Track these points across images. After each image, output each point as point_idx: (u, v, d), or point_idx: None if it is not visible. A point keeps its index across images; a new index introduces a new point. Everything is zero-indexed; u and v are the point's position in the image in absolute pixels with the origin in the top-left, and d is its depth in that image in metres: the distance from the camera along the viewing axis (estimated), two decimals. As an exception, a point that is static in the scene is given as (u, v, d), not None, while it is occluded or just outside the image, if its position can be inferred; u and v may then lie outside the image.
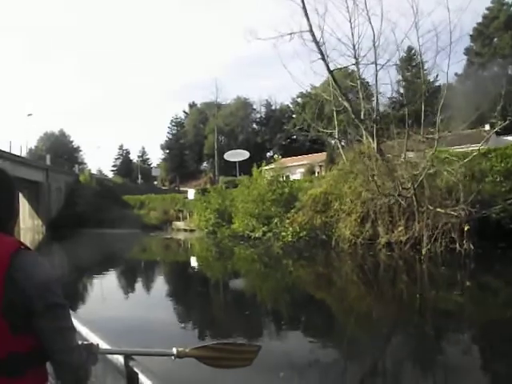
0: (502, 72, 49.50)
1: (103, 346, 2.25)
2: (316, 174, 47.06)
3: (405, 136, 20.59)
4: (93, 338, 2.39)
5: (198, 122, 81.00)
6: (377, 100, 23.31)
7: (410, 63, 63.72)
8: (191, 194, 47.95)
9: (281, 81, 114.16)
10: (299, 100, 75.57)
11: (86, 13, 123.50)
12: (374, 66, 22.74)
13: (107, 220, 47.63)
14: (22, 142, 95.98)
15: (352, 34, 22.78)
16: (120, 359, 2.26)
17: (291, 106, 77.03)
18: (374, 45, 22.20)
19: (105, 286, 16.25)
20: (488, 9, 62.94)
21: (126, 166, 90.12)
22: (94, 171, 70.18)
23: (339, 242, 20.67)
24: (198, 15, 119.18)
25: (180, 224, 43.95)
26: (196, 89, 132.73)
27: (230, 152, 61.78)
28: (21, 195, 56.71)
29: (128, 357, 2.22)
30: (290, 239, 22.16)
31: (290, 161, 55.89)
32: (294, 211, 23.31)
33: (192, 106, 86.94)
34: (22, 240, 1.70)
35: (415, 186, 18.45)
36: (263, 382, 6.24)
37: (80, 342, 1.85)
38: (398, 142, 21.38)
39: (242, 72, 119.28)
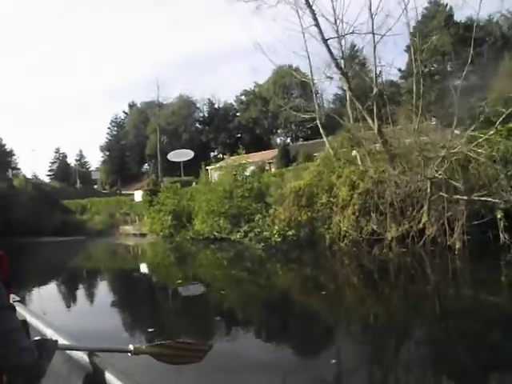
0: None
1: (62, 342, 2.27)
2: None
3: (417, 112, 16.96)
4: (52, 334, 2.44)
5: (139, 122, 75.92)
6: (375, 74, 19.53)
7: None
8: (138, 195, 43.43)
9: (222, 79, 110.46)
10: (243, 98, 72.16)
11: (21, 6, 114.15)
12: (371, 36, 19.03)
13: (48, 227, 42.67)
14: None
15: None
16: (83, 356, 2.23)
17: (235, 104, 73.37)
18: (371, 15, 18.60)
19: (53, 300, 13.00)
20: (426, 8, 61.90)
21: (63, 170, 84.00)
22: (29, 176, 64.13)
23: (335, 240, 17.12)
24: (138, 11, 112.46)
25: (128, 228, 39.37)
26: (135, 88, 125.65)
27: (173, 152, 57.65)
28: None
29: (92, 353, 2.19)
30: (276, 239, 18.25)
31: (237, 159, 52.61)
32: (274, 207, 19.48)
33: (132, 105, 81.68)
34: None
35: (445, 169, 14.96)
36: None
37: (36, 338, 1.95)
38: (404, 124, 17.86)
39: (183, 71, 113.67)
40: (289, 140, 67.87)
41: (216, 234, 24.02)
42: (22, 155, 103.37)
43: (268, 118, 67.55)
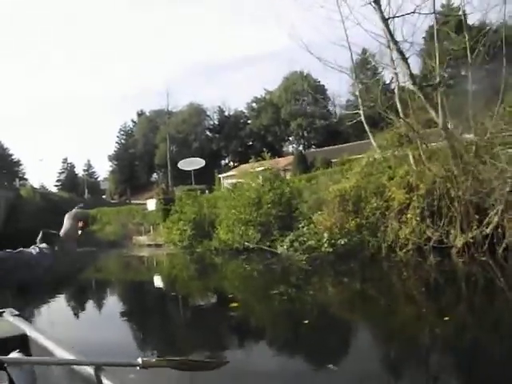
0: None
1: (66, 356, 2.25)
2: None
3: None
4: (54, 348, 2.38)
5: (148, 130, 73.60)
6: (437, 58, 16.56)
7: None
8: (151, 204, 41.02)
9: (232, 87, 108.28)
10: (254, 105, 69.89)
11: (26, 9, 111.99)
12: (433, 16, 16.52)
13: (56, 238, 39.97)
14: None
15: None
16: (89, 370, 2.11)
17: (246, 111, 71.05)
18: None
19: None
20: (439, 13, 59.75)
21: (71, 180, 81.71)
22: (36, 186, 61.75)
23: (392, 248, 14.65)
24: (150, 18, 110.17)
25: (143, 239, 36.85)
26: (144, 97, 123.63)
27: (184, 160, 55.08)
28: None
29: (98, 368, 2.08)
30: (326, 249, 15.59)
31: (249, 167, 50.31)
32: (320, 213, 16.89)
33: (140, 114, 79.34)
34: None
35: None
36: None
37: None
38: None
39: (192, 79, 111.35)
40: (301, 147, 65.50)
41: (246, 243, 21.51)
42: (29, 165, 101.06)
43: (280, 124, 65.20)
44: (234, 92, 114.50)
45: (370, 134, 18.73)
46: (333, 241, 15.21)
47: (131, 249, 35.38)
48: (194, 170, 50.68)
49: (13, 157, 77.41)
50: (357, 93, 19.40)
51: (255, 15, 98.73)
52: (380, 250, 15.29)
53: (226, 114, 72.14)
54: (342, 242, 15.02)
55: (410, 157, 16.62)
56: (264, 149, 61.02)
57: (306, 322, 8.58)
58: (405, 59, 16.48)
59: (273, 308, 10.64)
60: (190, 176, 50.74)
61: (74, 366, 2.19)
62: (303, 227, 17.34)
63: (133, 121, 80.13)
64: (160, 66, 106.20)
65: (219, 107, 72.31)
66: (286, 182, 23.29)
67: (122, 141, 78.07)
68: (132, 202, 63.79)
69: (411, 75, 16.57)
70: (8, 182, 56.56)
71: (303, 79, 66.12)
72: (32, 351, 2.12)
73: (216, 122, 72.86)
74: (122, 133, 78.65)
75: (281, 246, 18.51)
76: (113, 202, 67.16)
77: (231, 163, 68.94)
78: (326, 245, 15.21)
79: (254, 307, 11.20)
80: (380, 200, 15.87)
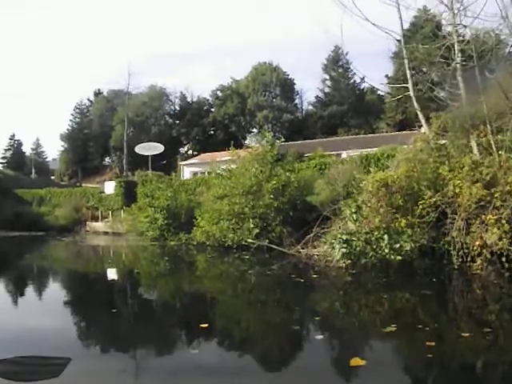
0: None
1: None
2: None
3: None
4: None
5: (105, 111, 67.32)
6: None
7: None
8: (109, 186, 35.82)
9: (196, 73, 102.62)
10: (219, 93, 64.90)
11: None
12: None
13: (-3, 219, 34.39)
14: None
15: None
16: None
17: (210, 98, 65.97)
18: None
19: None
20: (415, 17, 56.93)
21: (17, 158, 74.95)
22: (-21, 161, 54.93)
23: (465, 258, 10.54)
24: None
25: (98, 225, 31.62)
26: (103, 76, 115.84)
27: (142, 145, 50.39)
28: None
29: None
30: (394, 257, 10.88)
31: (210, 156, 46.23)
32: (368, 205, 12.41)
33: (98, 93, 72.78)
34: None
35: None
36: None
37: None
38: None
39: (156, 62, 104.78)
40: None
41: (236, 239, 16.99)
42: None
43: (245, 115, 60.60)
44: (196, 82, 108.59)
45: (420, 114, 14.36)
46: (397, 245, 10.79)
47: (84, 236, 30.13)
48: (152, 155, 45.92)
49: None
50: (405, 62, 14.86)
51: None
52: (442, 258, 11.15)
53: (189, 100, 66.88)
54: (408, 248, 10.65)
55: (474, 145, 12.57)
56: (226, 139, 57.45)
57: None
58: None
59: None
60: (146, 161, 46.07)
61: None
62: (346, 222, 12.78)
63: (89, 100, 73.65)
64: (125, 46, 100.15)
65: (181, 92, 67.03)
66: (287, 167, 18.79)
67: (77, 119, 71.37)
68: (82, 185, 58.15)
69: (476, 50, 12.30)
70: None
71: (272, 71, 61.91)
72: None
73: (177, 108, 67.41)
74: (78, 111, 71.92)
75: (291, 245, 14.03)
76: (62, 183, 61.36)
77: (190, 151, 63.85)
78: (386, 250, 10.79)
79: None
80: (439, 195, 11.70)
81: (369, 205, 12.28)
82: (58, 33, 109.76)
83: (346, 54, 59.31)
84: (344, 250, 11.23)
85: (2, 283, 13.72)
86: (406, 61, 14.66)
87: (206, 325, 7.14)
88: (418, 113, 14.29)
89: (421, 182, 12.33)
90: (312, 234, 14.51)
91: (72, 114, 71.79)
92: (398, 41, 16.06)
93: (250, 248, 16.69)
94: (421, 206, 11.83)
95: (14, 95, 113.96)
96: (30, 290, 12.40)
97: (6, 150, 77.49)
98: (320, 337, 6.92)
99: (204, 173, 38.24)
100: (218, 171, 20.49)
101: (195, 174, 41.76)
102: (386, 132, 48.52)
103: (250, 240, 16.67)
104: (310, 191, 16.82)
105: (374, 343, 6.50)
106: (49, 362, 2.73)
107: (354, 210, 12.23)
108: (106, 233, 29.70)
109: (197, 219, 19.70)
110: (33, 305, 9.78)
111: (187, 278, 13.85)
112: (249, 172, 17.91)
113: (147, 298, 11.07)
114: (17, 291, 11.96)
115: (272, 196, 16.81)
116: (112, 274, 15.63)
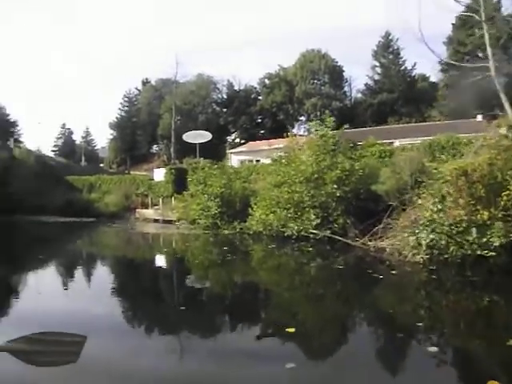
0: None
1: None
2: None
3: None
4: None
5: (153, 100, 67.36)
6: None
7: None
8: (159, 173, 35.38)
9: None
10: (267, 81, 63.89)
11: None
12: None
13: (51, 205, 34.84)
14: None
15: None
16: None
17: (257, 87, 65.06)
18: None
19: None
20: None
21: (68, 146, 76.07)
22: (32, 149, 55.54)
23: None
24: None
25: (148, 212, 31.24)
26: (151, 65, 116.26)
27: (189, 133, 49.87)
28: None
29: None
30: (476, 250, 9.71)
31: (258, 144, 45.79)
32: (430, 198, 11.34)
33: (146, 82, 73.00)
34: None
35: None
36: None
37: None
38: None
39: (203, 52, 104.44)
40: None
41: (296, 228, 16.11)
42: (27, 129, 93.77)
43: (293, 103, 59.44)
44: (244, 70, 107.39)
45: (503, 97, 13.09)
46: (483, 239, 9.69)
47: (134, 223, 29.83)
48: (200, 143, 45.37)
49: (9, 117, 71.02)
50: (486, 39, 13.59)
51: None
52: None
53: (236, 88, 66.14)
54: (497, 243, 9.54)
55: None
56: (274, 127, 56.44)
57: None
58: None
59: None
60: (193, 150, 45.46)
61: None
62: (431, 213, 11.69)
63: (137, 89, 73.91)
64: (172, 36, 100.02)
65: (229, 81, 66.35)
66: (349, 154, 17.78)
67: (125, 108, 71.80)
68: (131, 172, 58.32)
69: None
70: (2, 141, 50.39)
71: (320, 58, 60.47)
72: None
73: (225, 96, 66.78)
74: (126, 100, 72.33)
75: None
76: (111, 171, 61.56)
77: (238, 140, 63.18)
78: (474, 245, 9.72)
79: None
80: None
81: (449, 195, 11.17)
82: (108, 23, 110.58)
83: (397, 40, 58.04)
84: (429, 241, 10.15)
85: (57, 267, 13.39)
86: (486, 37, 13.34)
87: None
88: (502, 95, 13.01)
89: (505, 171, 11.14)
90: (381, 225, 13.48)
91: (121, 103, 72.39)
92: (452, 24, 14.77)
93: (310, 239, 15.84)
94: (505, 198, 10.67)
95: (65, 86, 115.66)
96: (93, 274, 12.06)
97: (57, 138, 78.82)
98: (434, 349, 5.67)
99: (252, 161, 37.56)
100: (275, 158, 19.57)
101: (243, 162, 41.04)
102: (439, 121, 46.59)
103: (312, 231, 15.75)
104: (375, 180, 15.79)
105: (503, 360, 5.43)
106: (65, 339, 2.48)
107: (437, 200, 11.10)
108: (155, 220, 29.26)
109: (252, 208, 18.94)
110: (92, 289, 9.38)
111: (242, 269, 13.03)
112: (309, 159, 16.96)
113: (199, 287, 10.37)
114: (73, 275, 11.59)
115: (335, 185, 15.84)
116: (164, 262, 15.08)
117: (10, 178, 41.76)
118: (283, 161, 18.62)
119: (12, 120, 71.05)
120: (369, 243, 13.54)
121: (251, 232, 18.75)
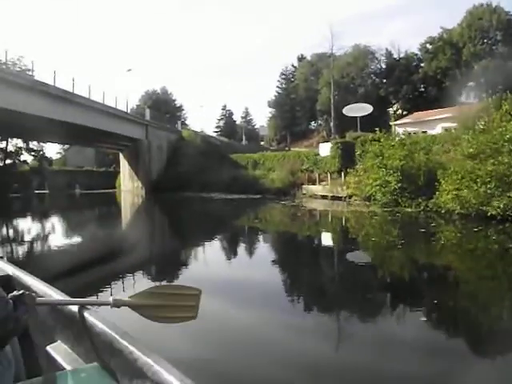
0: None
1: (48, 296, 2.15)
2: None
3: None
4: (37, 289, 2.22)
5: (310, 75, 65.94)
6: None
7: None
8: (324, 148, 33.86)
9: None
10: (428, 46, 59.00)
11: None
12: None
13: (215, 182, 35.57)
14: (120, 99, 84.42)
15: None
16: (73, 309, 2.00)
17: (418, 53, 60.39)
18: None
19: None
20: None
21: (229, 126, 78.10)
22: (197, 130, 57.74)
23: None
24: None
25: (316, 188, 29.97)
26: (304, 41, 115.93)
27: (349, 106, 47.91)
28: (121, 155, 48.22)
29: (82, 307, 1.98)
30: None
31: (424, 115, 42.46)
32: None
33: (301, 59, 71.82)
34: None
35: None
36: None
37: (14, 293, 1.74)
38: None
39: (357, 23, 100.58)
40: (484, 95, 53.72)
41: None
42: (190, 112, 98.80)
43: (461, 67, 54.03)
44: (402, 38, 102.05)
45: None
46: None
47: (302, 199, 28.79)
48: (361, 116, 43.04)
49: (176, 102, 74.76)
50: None
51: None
52: None
53: (396, 56, 62.03)
54: None
55: None
56: (439, 96, 51.86)
57: None
58: None
59: None
60: (353, 124, 43.21)
61: (57, 306, 2.10)
62: None
63: (293, 65, 72.99)
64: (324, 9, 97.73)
65: (387, 50, 62.34)
66: None
67: (283, 85, 71.34)
68: (291, 149, 57.75)
69: None
70: (171, 125, 53.02)
71: (491, 13, 53.93)
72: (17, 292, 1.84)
73: (384, 66, 63.00)
74: (283, 77, 71.89)
75: None
76: (271, 148, 61.67)
77: (400, 111, 59.38)
78: None
79: None
80: None
81: None
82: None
83: None
84: None
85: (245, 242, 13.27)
86: None
87: None
88: None
89: None
90: None
91: (278, 81, 72.13)
92: None
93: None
94: None
95: (224, 68, 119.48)
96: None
97: (219, 119, 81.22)
98: None
99: (417, 133, 34.67)
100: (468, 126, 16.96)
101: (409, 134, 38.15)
102: None
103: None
104: None
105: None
106: (183, 291, 2.01)
107: None
108: (323, 196, 27.86)
109: (440, 182, 16.59)
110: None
111: (429, 253, 10.98)
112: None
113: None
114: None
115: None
116: (351, 243, 13.47)
117: (179, 159, 43.76)
118: (480, 127, 15.93)
119: (178, 105, 74.67)
120: None
121: (441, 210, 16.41)
